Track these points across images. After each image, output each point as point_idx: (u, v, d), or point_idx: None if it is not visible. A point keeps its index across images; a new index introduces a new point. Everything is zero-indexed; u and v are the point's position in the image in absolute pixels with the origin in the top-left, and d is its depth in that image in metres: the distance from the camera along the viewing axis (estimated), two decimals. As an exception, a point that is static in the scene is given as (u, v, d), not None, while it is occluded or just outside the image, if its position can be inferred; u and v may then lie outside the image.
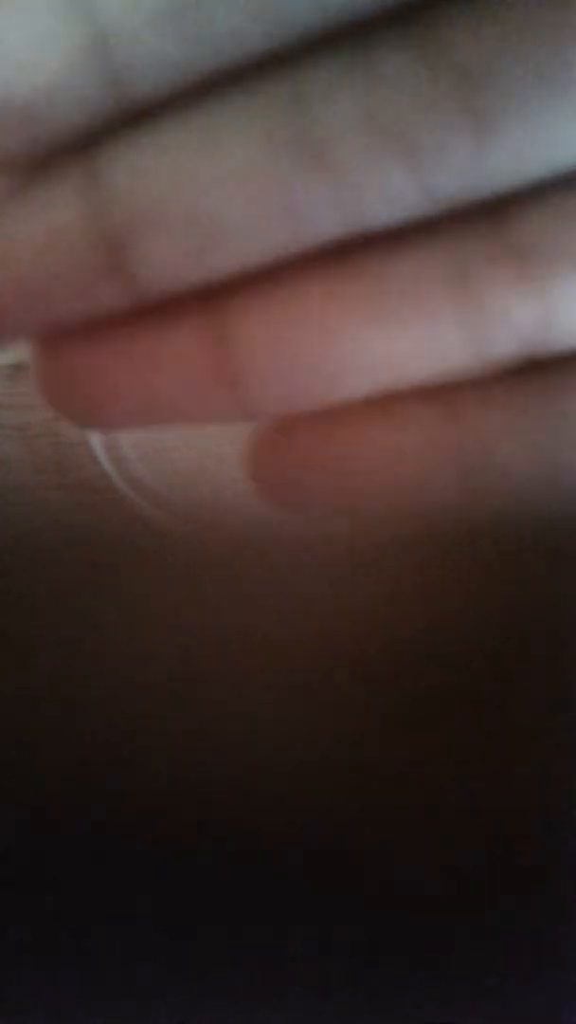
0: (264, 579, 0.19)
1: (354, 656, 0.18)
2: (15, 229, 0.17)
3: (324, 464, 0.21)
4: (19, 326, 0.18)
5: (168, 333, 0.19)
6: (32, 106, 0.16)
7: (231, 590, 0.19)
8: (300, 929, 0.18)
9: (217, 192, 0.17)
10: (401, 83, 0.16)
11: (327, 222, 0.17)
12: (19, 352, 0.48)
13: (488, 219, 0.18)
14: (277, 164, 0.17)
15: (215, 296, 0.19)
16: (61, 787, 0.18)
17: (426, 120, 0.16)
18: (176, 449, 0.44)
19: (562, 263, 0.18)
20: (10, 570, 0.19)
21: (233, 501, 0.42)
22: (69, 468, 0.43)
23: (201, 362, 0.19)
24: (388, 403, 0.20)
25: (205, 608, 0.19)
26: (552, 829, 0.18)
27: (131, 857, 0.18)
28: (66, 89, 0.16)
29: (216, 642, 0.18)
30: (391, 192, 0.17)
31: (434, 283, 0.18)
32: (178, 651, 0.18)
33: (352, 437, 0.21)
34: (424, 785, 0.18)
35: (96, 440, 0.43)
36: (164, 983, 0.18)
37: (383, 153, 0.16)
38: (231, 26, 0.16)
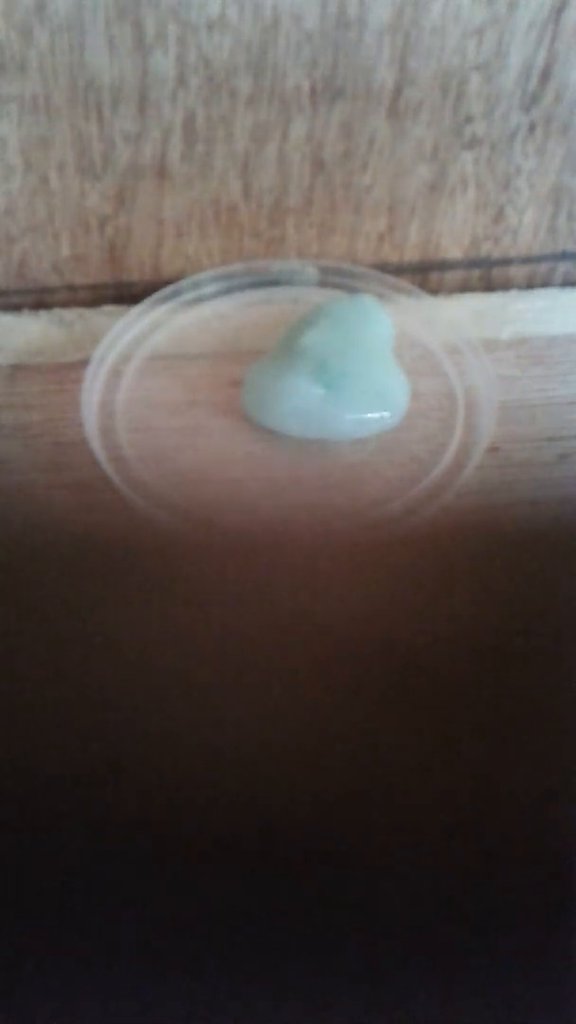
0: (264, 579, 0.19)
1: (354, 655, 0.18)
2: None
3: None
4: None
5: None
6: None
7: (231, 590, 0.19)
8: (300, 930, 0.18)
9: None
10: None
11: None
12: (19, 352, 0.48)
13: None
14: None
15: None
16: (61, 785, 0.18)
17: None
18: (176, 449, 0.44)
19: None
20: (10, 570, 0.19)
21: (233, 501, 0.42)
22: (69, 468, 0.43)
23: None
24: None
25: (205, 608, 0.19)
26: (552, 830, 0.18)
27: (131, 856, 0.18)
28: None
29: (216, 642, 0.18)
30: None
31: None
32: (178, 650, 0.18)
33: None
34: (425, 785, 0.18)
35: (96, 441, 0.43)
36: (164, 983, 0.18)
37: None
38: None
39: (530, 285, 0.52)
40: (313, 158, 0.46)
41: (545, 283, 0.52)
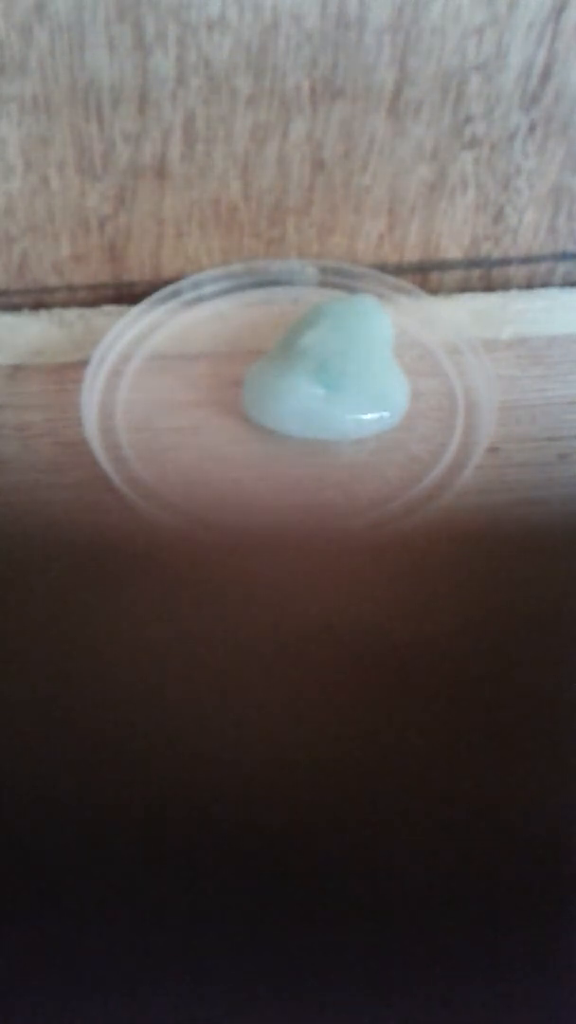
0: (264, 578, 0.19)
1: (354, 655, 0.18)
2: None
3: None
4: None
5: None
6: None
7: (231, 590, 0.19)
8: (300, 930, 0.18)
9: None
10: None
11: None
12: (19, 352, 0.48)
13: None
14: None
15: None
16: (61, 786, 0.18)
17: None
18: (176, 449, 0.44)
19: None
20: (10, 570, 0.19)
21: (233, 501, 0.42)
22: (69, 468, 0.43)
23: None
24: None
25: (205, 607, 0.19)
26: (553, 830, 0.18)
27: (130, 857, 0.18)
28: None
29: (216, 641, 0.18)
30: None
31: None
32: (178, 649, 0.18)
33: None
34: (425, 785, 0.18)
35: (96, 441, 0.43)
36: (164, 983, 0.18)
37: None
38: None
39: (530, 285, 0.52)
40: (313, 158, 0.46)
41: (545, 283, 0.52)
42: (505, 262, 0.51)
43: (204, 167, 0.46)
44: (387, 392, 0.44)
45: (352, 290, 0.49)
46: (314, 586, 0.19)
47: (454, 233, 0.50)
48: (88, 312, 0.49)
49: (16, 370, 0.47)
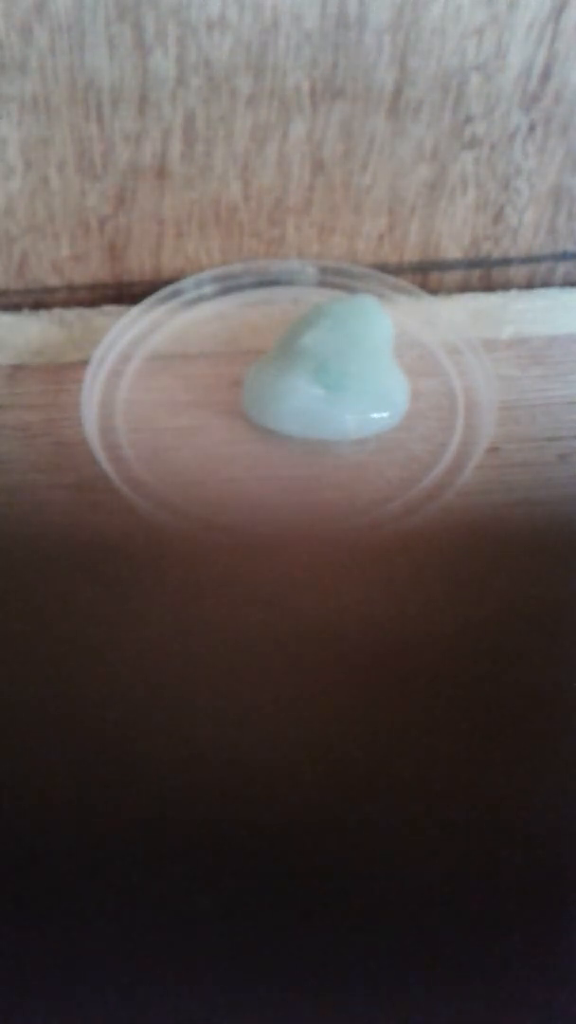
0: (264, 578, 0.19)
1: (353, 654, 0.18)
2: None
3: None
4: None
5: None
6: None
7: (231, 590, 0.19)
8: (300, 930, 0.18)
9: None
10: None
11: None
12: (19, 352, 0.48)
13: None
14: None
15: None
16: (61, 785, 0.18)
17: None
18: (176, 449, 0.44)
19: None
20: (10, 570, 0.19)
21: (233, 501, 0.42)
22: (69, 468, 0.43)
23: None
24: None
25: (205, 608, 0.19)
26: (553, 830, 0.18)
27: (130, 857, 0.18)
28: None
29: (216, 641, 0.18)
30: None
31: None
32: (178, 649, 0.18)
33: None
34: (424, 784, 0.18)
35: (96, 441, 0.43)
36: (164, 983, 0.18)
37: None
38: None
39: (530, 285, 0.52)
40: (313, 158, 0.46)
41: (545, 283, 0.52)
42: (505, 262, 0.51)
43: (204, 167, 0.46)
44: (387, 392, 0.44)
45: (352, 290, 0.49)
46: (314, 586, 0.19)
47: (454, 233, 0.50)
48: (88, 312, 0.49)
49: (16, 370, 0.47)
